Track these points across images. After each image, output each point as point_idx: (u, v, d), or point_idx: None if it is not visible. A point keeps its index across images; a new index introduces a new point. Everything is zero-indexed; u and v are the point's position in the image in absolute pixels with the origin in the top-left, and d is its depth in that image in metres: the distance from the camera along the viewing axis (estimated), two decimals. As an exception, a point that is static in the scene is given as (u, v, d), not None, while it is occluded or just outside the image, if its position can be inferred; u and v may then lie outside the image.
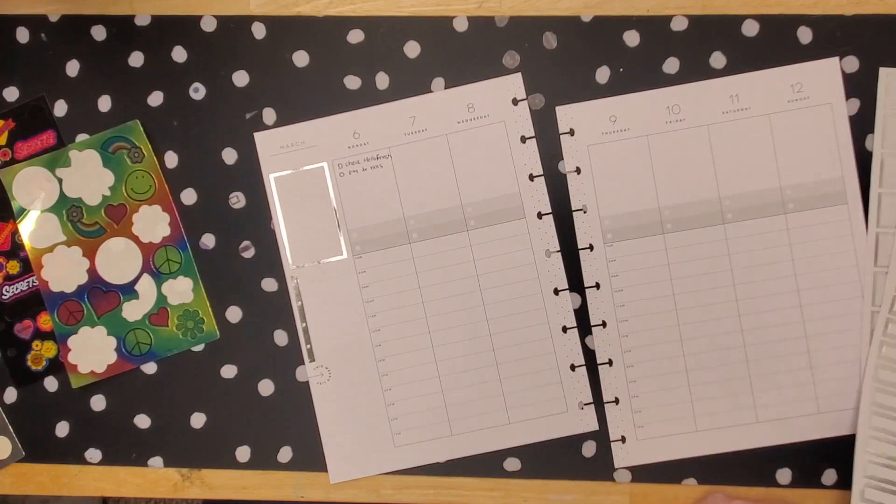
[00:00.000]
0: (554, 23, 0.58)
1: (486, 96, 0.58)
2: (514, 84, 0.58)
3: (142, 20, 0.60)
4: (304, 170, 0.59)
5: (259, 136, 0.59)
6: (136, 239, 0.60)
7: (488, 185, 0.58)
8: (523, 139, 0.58)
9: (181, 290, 0.60)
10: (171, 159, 0.60)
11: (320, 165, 0.59)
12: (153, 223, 0.60)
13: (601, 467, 0.59)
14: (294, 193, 0.59)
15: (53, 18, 0.60)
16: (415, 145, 0.58)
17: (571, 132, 0.58)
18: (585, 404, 0.59)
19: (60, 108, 0.60)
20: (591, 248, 0.58)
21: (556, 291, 0.58)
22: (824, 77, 0.57)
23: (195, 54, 0.60)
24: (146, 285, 0.60)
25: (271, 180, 0.59)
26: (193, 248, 0.60)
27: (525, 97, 0.58)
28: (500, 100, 0.58)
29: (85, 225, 0.60)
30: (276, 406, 0.60)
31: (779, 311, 0.57)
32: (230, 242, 0.60)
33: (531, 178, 0.58)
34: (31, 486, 0.61)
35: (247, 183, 0.60)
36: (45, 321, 0.60)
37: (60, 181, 0.59)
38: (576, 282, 0.58)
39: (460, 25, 0.59)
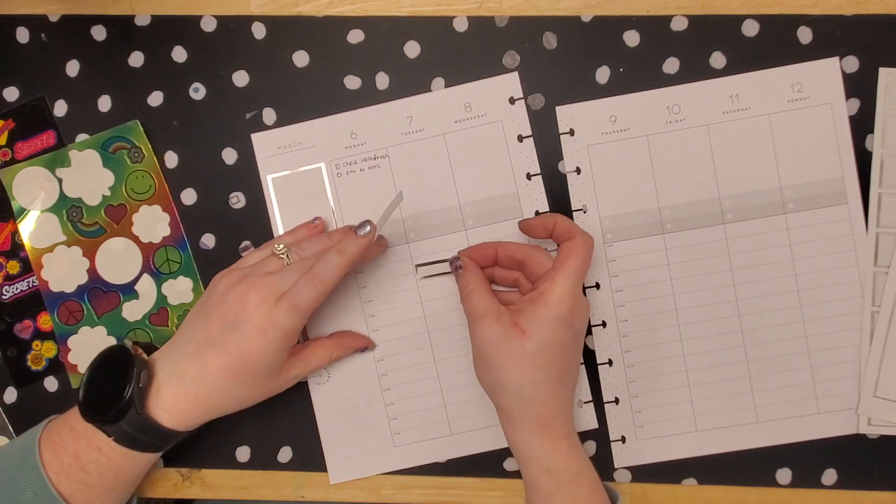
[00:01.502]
0: (554, 23, 0.58)
1: (483, 95, 0.58)
2: (510, 83, 0.58)
3: (142, 20, 0.60)
4: (302, 170, 0.59)
5: (256, 138, 0.59)
6: (136, 239, 0.60)
7: (486, 185, 0.58)
8: (520, 138, 0.58)
9: (181, 290, 0.60)
10: (171, 159, 0.60)
11: (318, 166, 0.59)
12: (153, 223, 0.60)
13: (601, 467, 0.58)
14: (292, 194, 0.59)
15: (53, 18, 0.60)
16: (412, 145, 0.58)
17: (571, 132, 0.58)
18: (585, 402, 0.58)
19: (60, 108, 0.60)
20: (590, 248, 0.58)
21: (556, 291, 0.58)
22: (824, 77, 0.57)
23: (195, 54, 0.60)
24: (146, 285, 0.60)
25: (269, 181, 0.59)
26: (193, 248, 0.60)
27: (522, 96, 0.58)
28: (497, 99, 0.58)
29: (85, 225, 0.60)
30: (276, 406, 0.59)
31: (779, 312, 0.57)
32: (230, 242, 0.60)
33: (528, 176, 0.58)
34: (31, 485, 0.61)
35: (247, 183, 0.60)
36: (45, 321, 0.60)
37: (60, 181, 0.60)
38: (575, 282, 0.58)
39: (460, 25, 0.58)
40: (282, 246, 0.53)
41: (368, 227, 0.51)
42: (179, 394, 0.51)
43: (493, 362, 0.51)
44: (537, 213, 0.58)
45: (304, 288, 0.50)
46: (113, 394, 0.50)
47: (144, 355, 0.52)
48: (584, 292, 0.58)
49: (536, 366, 0.50)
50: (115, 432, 0.50)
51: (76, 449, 0.50)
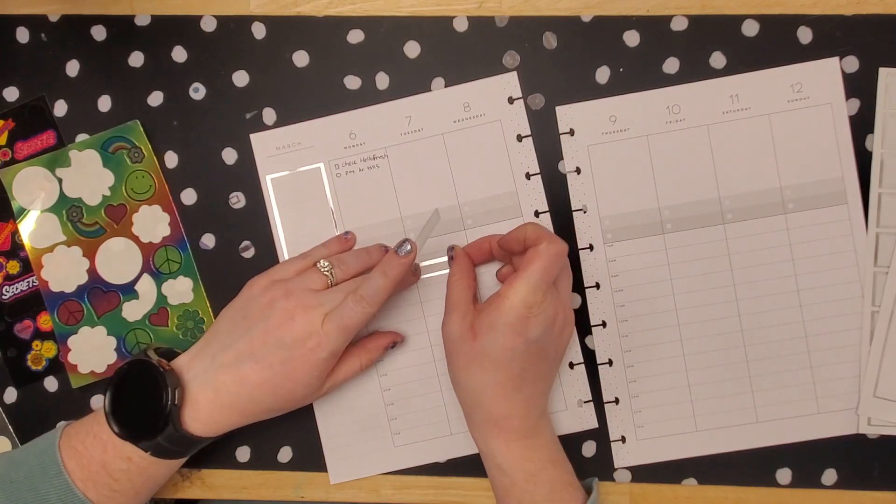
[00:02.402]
0: (554, 23, 0.58)
1: (482, 95, 0.58)
2: (509, 83, 0.58)
3: (142, 20, 0.60)
4: (301, 171, 0.59)
5: (255, 138, 0.59)
6: (136, 239, 0.60)
7: (485, 184, 0.58)
8: (519, 138, 0.58)
9: (181, 290, 0.60)
10: (171, 159, 0.60)
11: (317, 166, 0.59)
12: (153, 223, 0.60)
13: (601, 467, 0.58)
14: (291, 194, 0.59)
15: (53, 18, 0.60)
16: (411, 145, 0.58)
17: (571, 132, 0.58)
18: (585, 402, 0.58)
19: (60, 108, 0.60)
20: (590, 248, 0.58)
21: (556, 291, 0.58)
22: (824, 77, 0.57)
23: (195, 54, 0.60)
24: (146, 285, 0.60)
25: (268, 182, 0.59)
26: (193, 248, 0.60)
27: (520, 95, 0.58)
28: (496, 98, 0.58)
29: (85, 225, 0.60)
30: (275, 406, 0.60)
31: (779, 311, 0.57)
32: (230, 242, 0.60)
33: (528, 176, 0.58)
34: (31, 485, 0.61)
35: (247, 183, 0.60)
36: (45, 321, 0.60)
37: (60, 181, 0.60)
38: (576, 281, 0.58)
39: (460, 25, 0.58)
40: (326, 263, 0.54)
41: (409, 247, 0.51)
42: (215, 404, 0.51)
43: (449, 358, 0.53)
44: (536, 213, 0.58)
45: (352, 310, 0.50)
46: (146, 412, 0.50)
47: (169, 366, 0.52)
48: (584, 292, 0.58)
49: (483, 367, 0.50)
50: (151, 447, 0.50)
51: (104, 458, 0.50)
